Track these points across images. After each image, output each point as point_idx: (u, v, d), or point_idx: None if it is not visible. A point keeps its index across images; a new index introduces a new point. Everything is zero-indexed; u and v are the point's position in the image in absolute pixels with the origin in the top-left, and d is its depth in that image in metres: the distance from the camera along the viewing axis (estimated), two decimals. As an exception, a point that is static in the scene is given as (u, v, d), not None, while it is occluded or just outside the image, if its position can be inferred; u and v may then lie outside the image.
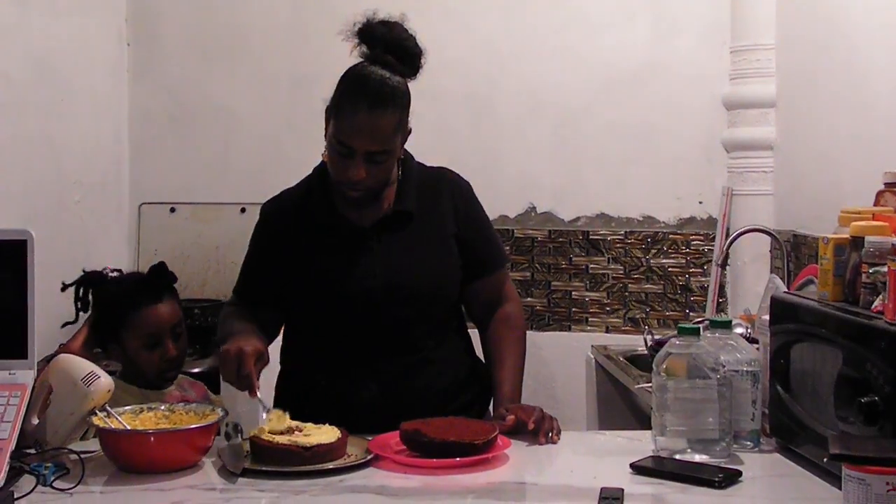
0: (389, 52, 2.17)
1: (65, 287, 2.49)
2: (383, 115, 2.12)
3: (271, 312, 2.33)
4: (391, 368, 2.22)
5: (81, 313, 2.52)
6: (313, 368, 2.28)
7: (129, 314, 2.43)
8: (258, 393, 2.03)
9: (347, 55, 2.20)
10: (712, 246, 3.85)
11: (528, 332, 2.43)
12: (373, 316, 2.21)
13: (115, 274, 2.56)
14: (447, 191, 2.32)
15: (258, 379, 2.04)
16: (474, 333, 2.41)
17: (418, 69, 2.20)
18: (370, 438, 2.00)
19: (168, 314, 2.45)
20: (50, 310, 2.20)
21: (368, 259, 2.22)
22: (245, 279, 2.37)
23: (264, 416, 1.99)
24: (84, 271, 2.52)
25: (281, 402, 2.31)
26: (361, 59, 2.19)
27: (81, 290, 2.50)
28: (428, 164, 2.38)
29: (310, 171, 2.35)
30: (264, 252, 2.33)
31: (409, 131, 2.22)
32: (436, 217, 2.29)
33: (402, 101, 2.16)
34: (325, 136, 2.19)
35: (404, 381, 2.22)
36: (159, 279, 2.49)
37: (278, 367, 2.38)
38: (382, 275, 2.21)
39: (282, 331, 2.39)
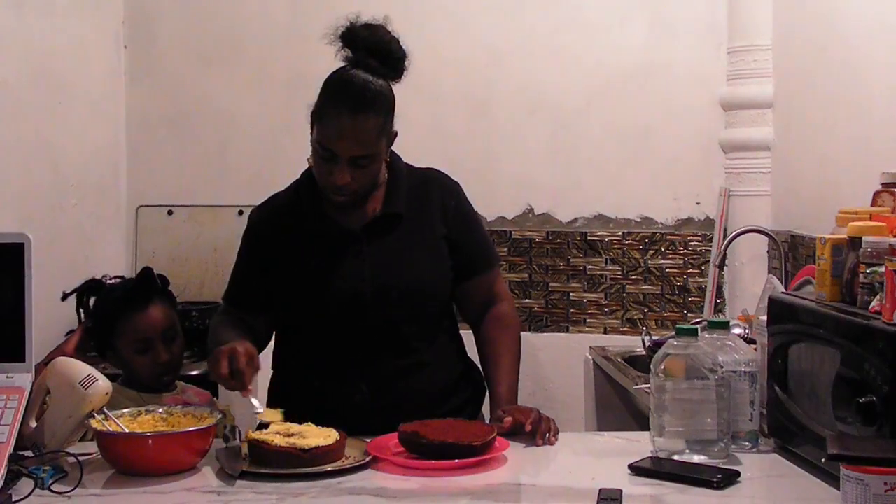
0: (372, 55, 2.15)
1: (66, 296, 2.50)
2: (366, 119, 2.11)
3: (262, 318, 2.32)
4: (383, 370, 2.22)
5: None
6: (305, 371, 2.28)
7: (119, 321, 2.45)
8: (250, 392, 2.02)
9: (334, 57, 2.20)
10: (710, 247, 3.85)
11: (525, 333, 2.44)
12: (363, 318, 2.21)
13: (113, 281, 2.57)
14: (436, 191, 2.32)
15: (250, 382, 2.04)
16: (466, 335, 2.41)
17: (402, 72, 2.19)
18: (368, 440, 2.00)
19: (157, 319, 2.46)
20: (48, 313, 2.21)
21: (358, 262, 2.22)
22: (235, 286, 2.36)
23: (257, 414, 1.99)
24: (87, 280, 2.54)
25: (276, 405, 2.30)
26: (345, 64, 2.19)
27: (83, 298, 2.52)
28: (425, 165, 2.38)
29: (300, 174, 2.34)
30: (254, 258, 2.32)
31: (395, 134, 2.22)
32: (425, 218, 2.28)
33: (385, 105, 2.16)
34: (311, 140, 2.19)
35: (396, 383, 2.22)
36: (146, 285, 2.50)
37: (270, 371, 2.38)
38: (372, 277, 2.21)
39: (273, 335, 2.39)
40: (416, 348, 2.26)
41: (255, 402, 2.02)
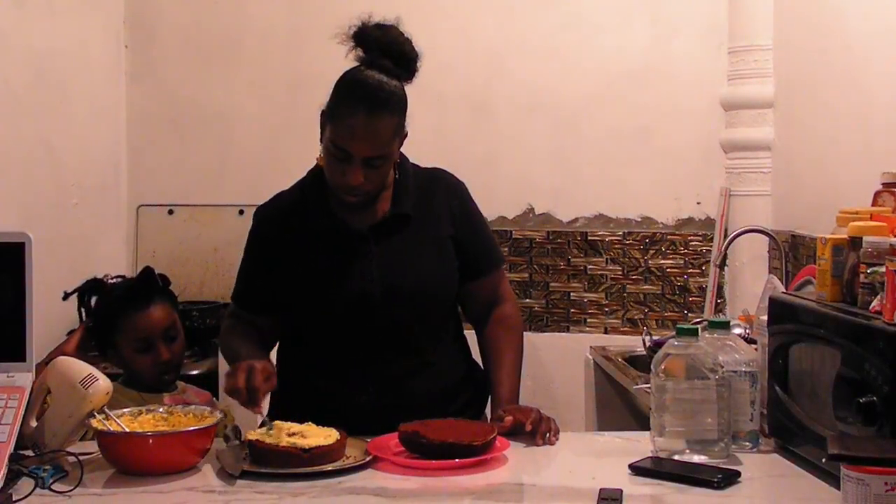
0: (386, 55, 2.15)
1: (67, 295, 2.50)
2: (381, 119, 2.11)
3: (272, 319, 2.32)
4: (388, 371, 2.21)
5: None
6: (310, 372, 2.27)
7: (120, 320, 2.45)
8: (262, 410, 2.02)
9: (345, 58, 2.20)
10: (710, 246, 3.86)
11: (526, 333, 2.43)
12: (370, 319, 2.20)
13: (114, 280, 2.58)
14: (442, 192, 2.31)
15: (264, 398, 2.04)
16: (470, 335, 2.41)
17: (415, 72, 2.19)
18: (369, 440, 2.00)
19: (158, 318, 2.46)
20: (48, 313, 2.21)
21: (365, 262, 2.21)
22: (243, 286, 2.35)
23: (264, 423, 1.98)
24: (88, 280, 2.54)
25: (279, 405, 2.31)
26: (357, 63, 2.18)
27: (85, 297, 2.52)
28: (426, 165, 2.38)
29: (306, 173, 2.34)
30: (261, 258, 2.31)
31: (406, 134, 2.21)
32: (432, 219, 2.28)
33: (399, 105, 2.15)
34: (321, 140, 2.18)
35: (401, 384, 2.22)
36: (147, 285, 2.51)
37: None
38: (380, 278, 2.20)
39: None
40: (422, 349, 2.26)
41: (266, 420, 2.01)
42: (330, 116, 2.15)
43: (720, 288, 3.80)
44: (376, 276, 2.21)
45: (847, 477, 1.53)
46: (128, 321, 2.45)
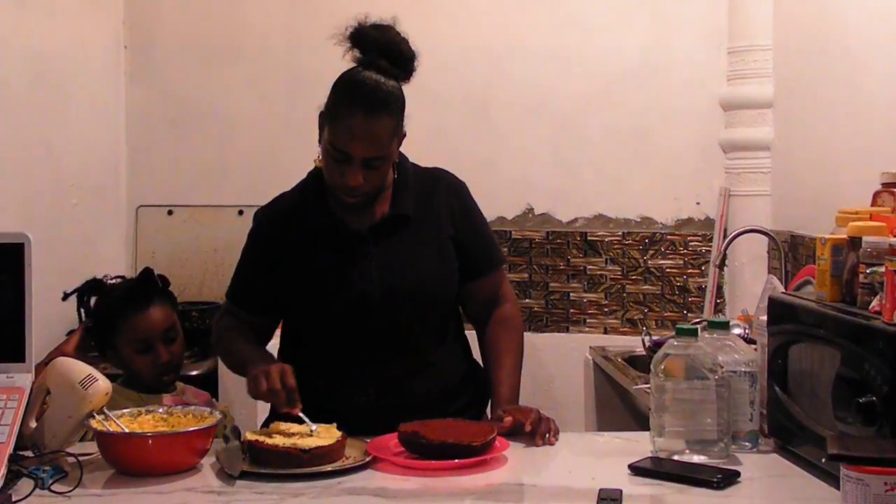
0: (383, 55, 2.15)
1: (66, 295, 2.51)
2: (380, 120, 2.10)
3: (266, 318, 2.33)
4: (388, 372, 2.21)
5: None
6: (311, 372, 2.26)
7: (119, 321, 2.45)
8: (300, 409, 2.02)
9: (342, 58, 2.19)
10: (710, 247, 3.86)
11: (526, 333, 2.43)
12: (370, 320, 2.20)
13: (114, 281, 2.58)
14: (443, 192, 2.31)
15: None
16: (471, 335, 2.41)
17: (412, 72, 2.19)
18: (369, 440, 2.00)
19: (158, 319, 2.47)
20: (48, 313, 2.20)
21: (366, 263, 2.21)
22: (240, 286, 2.35)
23: (313, 429, 1.98)
24: (87, 280, 2.54)
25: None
26: (355, 64, 2.18)
27: (84, 298, 2.52)
28: (426, 165, 2.37)
29: (306, 175, 2.34)
30: (260, 258, 2.30)
31: (404, 134, 2.21)
32: (432, 219, 2.28)
33: (397, 106, 2.15)
34: (320, 141, 2.18)
35: (402, 385, 2.22)
36: (146, 286, 2.51)
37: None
38: (380, 279, 2.20)
39: (279, 335, 2.38)
40: (422, 349, 2.26)
41: (306, 419, 2.02)
42: (328, 118, 2.15)
43: (720, 288, 3.80)
44: (376, 277, 2.20)
45: (847, 477, 1.53)
46: (127, 322, 2.46)
